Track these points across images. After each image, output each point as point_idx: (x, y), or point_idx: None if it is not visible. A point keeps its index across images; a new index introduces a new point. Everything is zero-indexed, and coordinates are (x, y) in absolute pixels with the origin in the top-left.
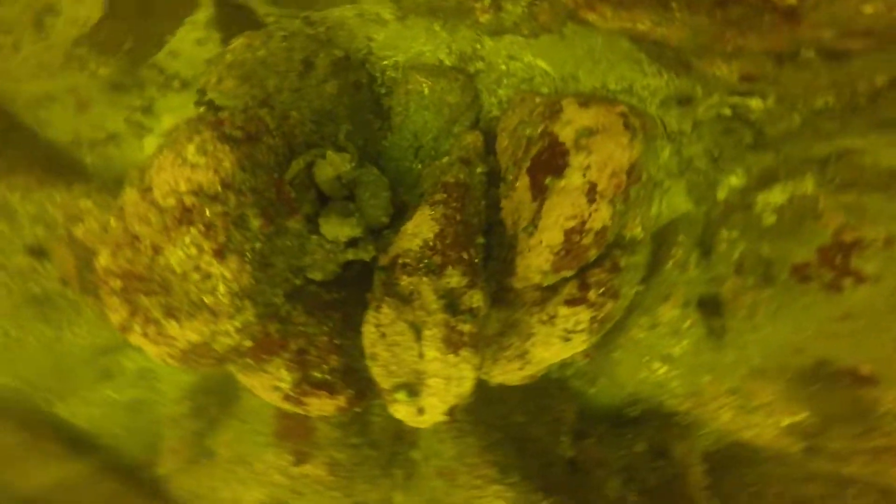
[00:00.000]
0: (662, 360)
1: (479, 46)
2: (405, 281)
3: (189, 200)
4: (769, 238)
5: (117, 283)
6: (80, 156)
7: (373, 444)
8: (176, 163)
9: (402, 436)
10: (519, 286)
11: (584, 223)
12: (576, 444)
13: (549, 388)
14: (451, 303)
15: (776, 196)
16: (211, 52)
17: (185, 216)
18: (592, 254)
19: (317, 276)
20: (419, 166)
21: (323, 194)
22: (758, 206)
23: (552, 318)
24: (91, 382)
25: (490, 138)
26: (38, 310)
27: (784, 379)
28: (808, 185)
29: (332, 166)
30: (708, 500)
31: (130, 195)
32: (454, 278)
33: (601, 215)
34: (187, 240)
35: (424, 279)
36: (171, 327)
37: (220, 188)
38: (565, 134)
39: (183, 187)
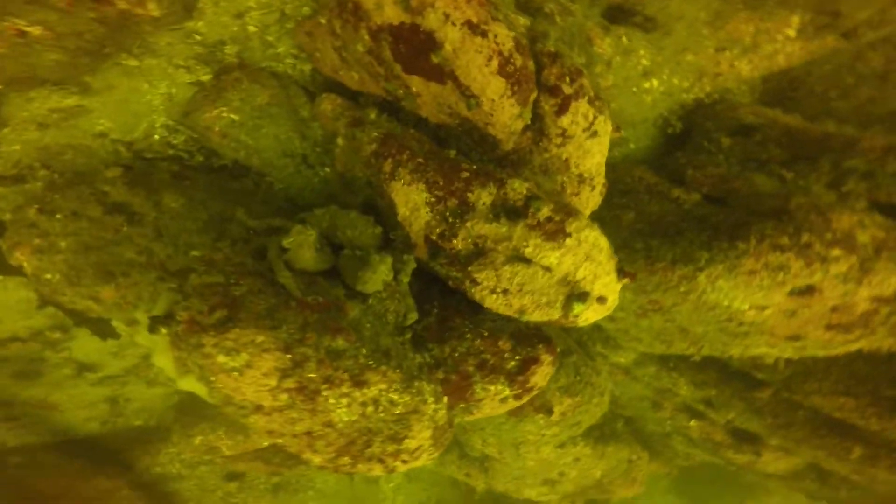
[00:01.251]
0: (645, 77)
1: (198, 37)
2: (459, 244)
3: (297, 382)
4: None
5: (346, 461)
6: (167, 423)
7: (567, 352)
8: (235, 377)
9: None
10: (512, 145)
11: (501, 53)
12: (687, 186)
13: (615, 179)
14: (509, 210)
15: None
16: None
17: (306, 392)
18: (531, 65)
19: (412, 317)
20: (327, 169)
21: (332, 272)
22: None
23: (563, 134)
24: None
25: (338, 87)
26: (289, 496)
27: None
28: None
29: (304, 247)
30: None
31: (257, 422)
32: (483, 196)
33: (503, 34)
34: (332, 401)
35: (468, 224)
36: (411, 443)
37: (287, 354)
38: (390, 14)
39: (272, 382)
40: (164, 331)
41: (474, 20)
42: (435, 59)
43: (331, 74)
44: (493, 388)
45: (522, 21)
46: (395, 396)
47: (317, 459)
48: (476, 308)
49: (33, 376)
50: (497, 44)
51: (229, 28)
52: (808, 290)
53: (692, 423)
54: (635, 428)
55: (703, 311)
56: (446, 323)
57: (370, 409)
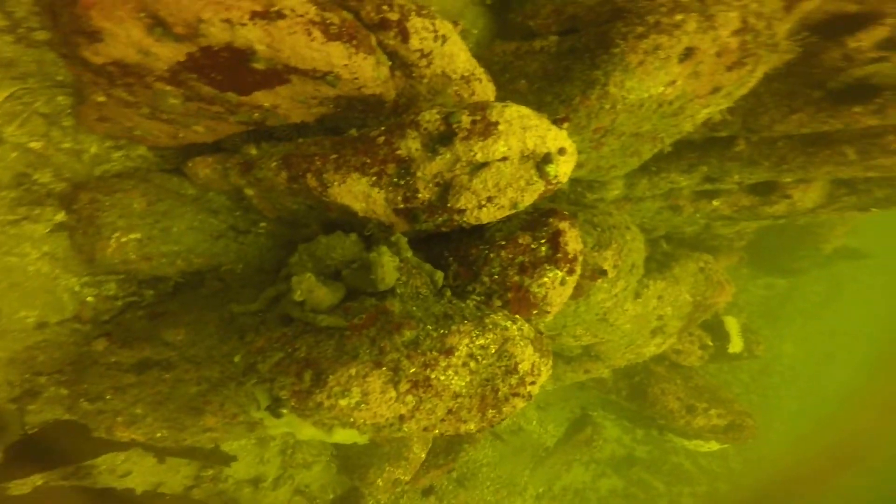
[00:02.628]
0: None
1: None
2: (425, 194)
3: (408, 382)
4: None
5: (492, 413)
6: (350, 484)
7: (572, 217)
8: (365, 408)
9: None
10: (394, 91)
11: (313, 21)
12: (540, 35)
13: (487, 64)
14: (439, 138)
15: None
16: None
17: (420, 384)
18: (347, 15)
19: (439, 276)
20: (262, 224)
21: (351, 294)
22: None
23: (422, 53)
24: None
25: (193, 148)
26: (472, 481)
27: None
28: None
29: (313, 290)
30: None
31: (411, 427)
32: (410, 144)
33: (298, 4)
34: (443, 378)
35: (418, 174)
36: (524, 365)
37: (382, 368)
38: (168, 54)
39: (392, 393)
40: (285, 411)
41: (259, 8)
42: (259, 66)
43: (172, 143)
44: (545, 279)
45: None
46: (481, 342)
47: (471, 426)
48: (479, 230)
49: (235, 502)
50: (301, 15)
51: (5, 157)
52: (689, 52)
53: (715, 203)
54: (679, 240)
55: (636, 111)
56: (466, 260)
57: (473, 364)
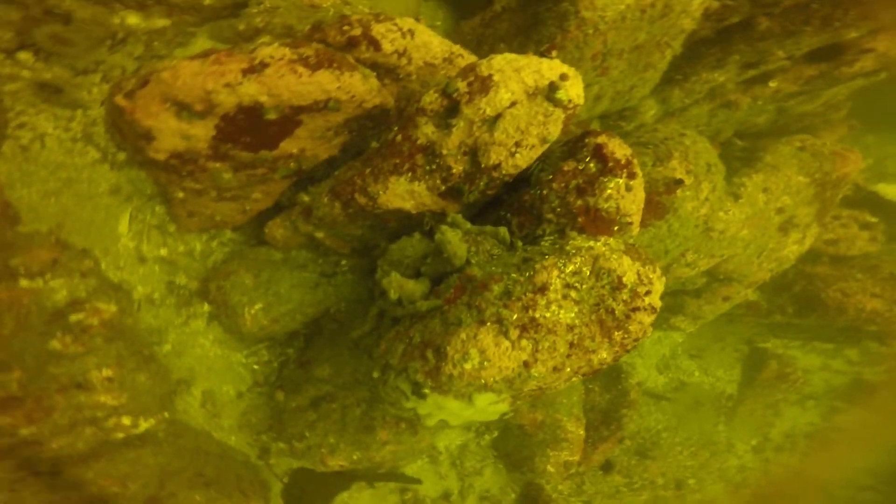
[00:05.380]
0: None
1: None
2: (457, 167)
3: (516, 329)
4: None
5: (618, 336)
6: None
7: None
8: (488, 364)
9: None
10: (392, 96)
11: (291, 60)
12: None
13: (462, 38)
14: (447, 113)
15: None
16: None
17: (528, 326)
18: (317, 45)
19: (503, 232)
20: (343, 261)
21: (435, 282)
22: None
23: (398, 53)
24: None
25: (261, 215)
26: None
27: None
28: None
29: (403, 286)
30: None
31: (538, 370)
32: (424, 130)
33: (273, 51)
34: (548, 315)
35: (443, 152)
36: (629, 276)
37: (487, 323)
38: (200, 133)
39: (506, 342)
40: (427, 391)
41: (245, 65)
42: (272, 116)
43: (244, 218)
44: (608, 190)
45: (265, 38)
46: (571, 268)
47: (604, 355)
48: (524, 180)
49: None
50: (280, 59)
51: (153, 272)
52: None
53: (772, 84)
54: (755, 133)
55: (622, 25)
56: (524, 208)
57: (574, 293)
